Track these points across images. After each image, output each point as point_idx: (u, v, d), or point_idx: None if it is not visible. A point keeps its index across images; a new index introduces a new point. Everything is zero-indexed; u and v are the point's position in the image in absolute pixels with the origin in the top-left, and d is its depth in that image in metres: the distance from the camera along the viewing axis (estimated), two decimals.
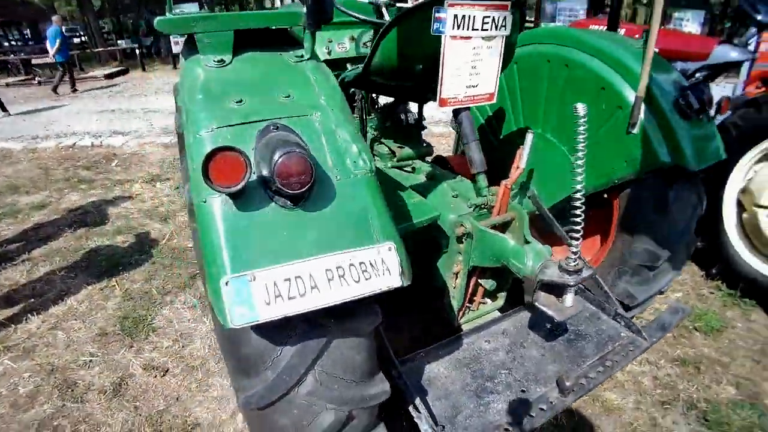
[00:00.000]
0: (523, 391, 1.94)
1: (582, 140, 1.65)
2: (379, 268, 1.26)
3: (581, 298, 2.49)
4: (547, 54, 2.67)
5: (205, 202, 1.18)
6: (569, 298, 1.76)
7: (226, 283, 1.12)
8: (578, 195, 1.69)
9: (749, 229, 3.75)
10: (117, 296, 3.41)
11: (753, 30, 4.59)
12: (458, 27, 1.78)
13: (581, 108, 1.60)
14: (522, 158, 2.19)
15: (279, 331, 1.30)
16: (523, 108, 2.96)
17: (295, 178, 1.12)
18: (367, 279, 1.25)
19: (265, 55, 1.65)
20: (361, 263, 1.24)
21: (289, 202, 1.22)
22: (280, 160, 1.10)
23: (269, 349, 1.31)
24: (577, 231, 1.72)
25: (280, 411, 1.37)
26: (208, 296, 1.16)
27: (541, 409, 1.85)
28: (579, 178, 1.67)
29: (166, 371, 2.74)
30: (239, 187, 1.10)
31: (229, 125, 1.28)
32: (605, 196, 2.76)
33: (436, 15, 1.72)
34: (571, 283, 1.70)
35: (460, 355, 2.16)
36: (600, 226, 2.94)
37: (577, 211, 1.70)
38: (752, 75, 4.61)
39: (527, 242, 1.94)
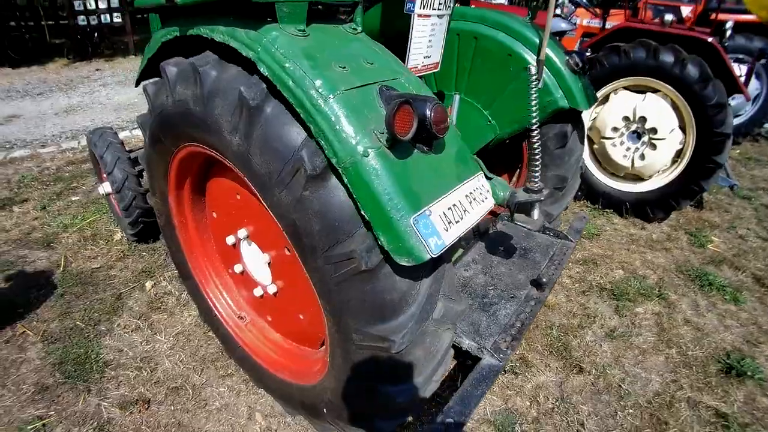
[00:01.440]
0: (512, 296, 2.26)
1: (534, 89, 2.12)
2: (483, 192, 1.49)
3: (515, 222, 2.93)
4: (457, 29, 2.94)
5: (367, 156, 1.20)
6: (536, 213, 2.06)
7: (415, 222, 1.19)
8: (534, 131, 2.09)
9: (599, 157, 4.63)
10: (35, 343, 2.72)
11: (572, 7, 5.61)
12: (423, 6, 1.94)
13: (532, 68, 2.08)
14: (452, 115, 2.47)
15: (415, 267, 1.30)
16: (440, 75, 3.19)
17: (442, 123, 1.27)
18: (483, 201, 1.47)
19: (326, 27, 1.58)
20: (476, 188, 1.47)
21: (425, 147, 1.33)
22: (433, 110, 1.23)
23: (411, 286, 1.34)
24: (536, 159, 2.10)
25: (418, 343, 1.40)
26: (389, 243, 1.19)
27: (533, 303, 2.22)
28: (534, 120, 2.10)
29: (148, 402, 2.34)
30: (411, 134, 1.22)
31: (354, 87, 1.31)
32: (507, 141, 3.19)
33: None
34: (541, 199, 2.01)
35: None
36: (510, 166, 3.47)
37: (535, 143, 2.09)
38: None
39: (489, 178, 2.19)
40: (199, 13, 1.60)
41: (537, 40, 2.74)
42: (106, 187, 3.64)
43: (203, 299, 2.38)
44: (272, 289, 1.98)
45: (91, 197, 4.55)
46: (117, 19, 12.00)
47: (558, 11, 5.75)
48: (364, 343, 1.39)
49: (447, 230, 1.28)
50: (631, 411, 2.48)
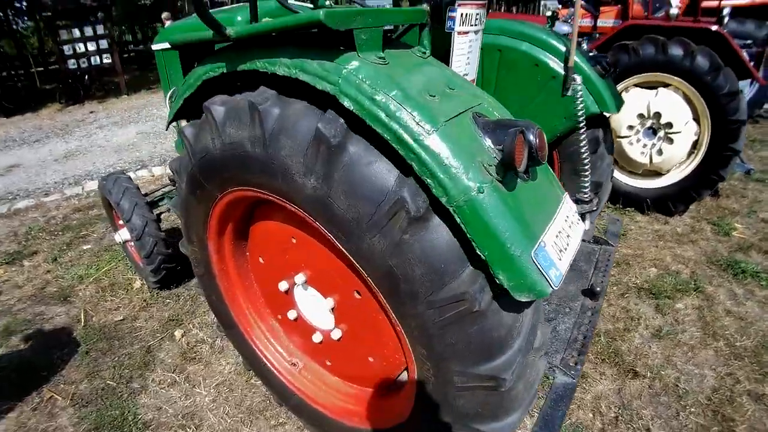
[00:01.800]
0: (568, 309, 2.13)
1: (579, 98, 2.26)
2: (575, 214, 1.42)
3: None
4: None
5: (482, 192, 1.11)
6: (588, 223, 1.95)
7: (535, 256, 1.13)
8: (582, 140, 2.06)
9: (617, 156, 4.53)
10: (65, 408, 2.54)
11: (572, 9, 5.59)
12: (462, 23, 1.91)
13: (577, 78, 2.23)
14: None
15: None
16: None
17: (545, 149, 1.20)
18: (578, 223, 1.39)
19: (398, 52, 1.49)
20: (570, 210, 1.39)
21: (524, 175, 1.25)
22: (537, 136, 1.17)
23: (515, 319, 1.27)
24: (585, 169, 2.04)
25: (520, 376, 1.30)
26: (509, 280, 1.12)
27: (590, 314, 2.12)
28: (581, 128, 2.09)
29: None
30: (525, 164, 1.16)
31: (451, 118, 1.21)
32: None
33: (450, 14, 1.84)
34: (594, 209, 1.90)
35: None
36: None
37: (583, 154, 2.03)
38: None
39: None
40: (254, 46, 1.45)
41: (561, 48, 2.67)
42: (123, 235, 3.49)
43: (249, 348, 2.23)
44: (336, 334, 1.84)
45: (103, 245, 4.38)
46: (107, 59, 11.92)
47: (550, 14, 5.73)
48: (468, 385, 1.29)
49: (560, 259, 1.21)
50: (693, 410, 2.40)
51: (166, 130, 2.03)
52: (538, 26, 2.92)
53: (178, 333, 3.08)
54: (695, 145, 4.25)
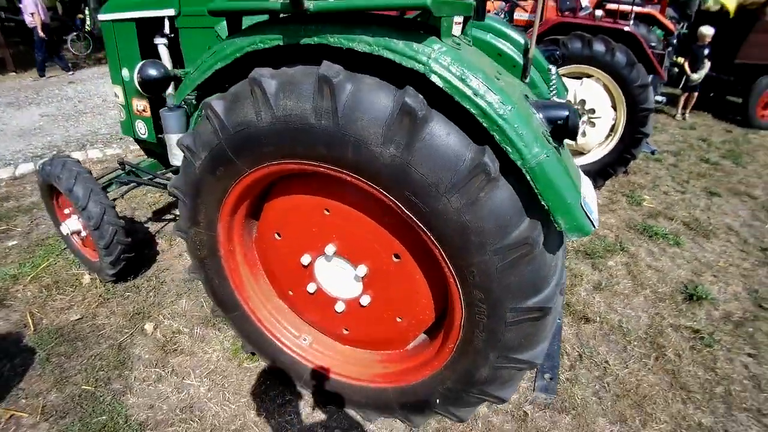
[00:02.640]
0: None
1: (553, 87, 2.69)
2: (584, 175, 1.67)
3: None
4: None
5: (548, 156, 1.29)
6: None
7: (583, 204, 1.36)
8: None
9: None
10: (36, 424, 2.20)
11: (502, 3, 5.93)
12: None
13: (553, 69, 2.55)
14: None
15: (560, 240, 1.53)
16: None
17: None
18: (587, 181, 1.65)
19: (457, 38, 1.57)
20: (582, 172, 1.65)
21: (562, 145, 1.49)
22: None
23: (555, 258, 1.49)
24: None
25: (555, 315, 1.55)
26: (566, 223, 1.32)
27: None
28: None
29: None
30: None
31: (517, 97, 1.39)
32: None
33: None
34: None
35: None
36: None
37: None
38: None
39: None
40: (327, 21, 1.42)
41: (520, 39, 2.90)
42: (70, 225, 3.09)
43: (254, 329, 2.14)
44: (365, 300, 1.86)
45: (32, 239, 3.82)
46: None
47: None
48: (518, 319, 1.47)
49: (594, 207, 1.48)
50: (635, 343, 2.88)
51: (176, 104, 1.80)
52: (498, 19, 3.14)
53: (149, 326, 2.83)
54: (612, 129, 4.80)
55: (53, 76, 10.32)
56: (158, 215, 4.16)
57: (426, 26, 1.43)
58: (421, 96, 1.32)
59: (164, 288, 3.16)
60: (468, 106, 1.28)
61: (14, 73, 10.33)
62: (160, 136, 3.17)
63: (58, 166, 2.87)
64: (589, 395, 2.48)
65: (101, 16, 3.04)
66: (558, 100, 2.79)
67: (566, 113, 1.42)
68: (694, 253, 3.96)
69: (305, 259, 1.90)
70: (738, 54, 7.74)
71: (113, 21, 2.95)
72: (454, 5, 1.43)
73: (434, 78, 1.28)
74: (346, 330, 2.07)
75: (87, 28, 13.34)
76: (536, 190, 1.30)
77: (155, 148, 3.37)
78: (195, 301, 3.04)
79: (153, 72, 2.48)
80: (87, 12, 13.33)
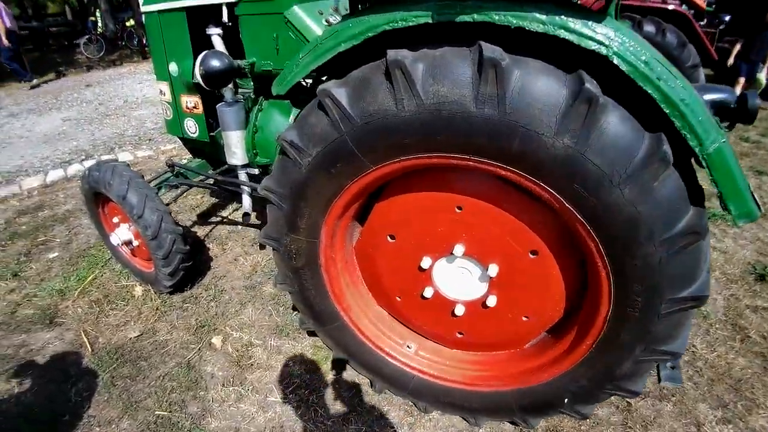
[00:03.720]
0: None
1: None
2: None
3: None
4: None
5: (725, 141, 1.21)
6: None
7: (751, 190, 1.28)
8: None
9: None
10: None
11: None
12: None
13: None
14: None
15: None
16: None
17: None
18: None
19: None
20: None
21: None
22: None
23: (707, 244, 1.39)
24: None
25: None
26: (736, 209, 1.26)
27: None
28: None
29: None
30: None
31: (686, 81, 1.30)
32: None
33: None
34: None
35: None
36: None
37: None
38: None
39: None
40: None
41: None
42: (121, 235, 2.81)
43: (354, 342, 1.90)
44: (492, 300, 1.68)
45: (72, 250, 3.54)
46: None
47: None
48: (671, 310, 1.38)
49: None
50: (718, 326, 2.65)
51: (282, 92, 1.50)
52: None
53: (216, 340, 2.56)
54: None
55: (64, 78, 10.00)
56: (204, 218, 3.87)
57: (582, 6, 1.25)
58: (594, 82, 1.18)
59: (225, 297, 2.88)
60: (650, 91, 1.16)
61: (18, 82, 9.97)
62: (212, 134, 2.87)
63: (107, 171, 2.57)
64: (684, 380, 2.29)
65: (145, 8, 2.70)
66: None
67: (735, 96, 1.40)
68: (755, 233, 3.65)
69: (425, 263, 1.66)
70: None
71: (159, 12, 2.61)
72: None
73: (617, 61, 1.15)
74: (461, 333, 1.85)
75: (99, 30, 13.00)
76: (711, 177, 1.23)
77: (205, 147, 3.07)
78: (262, 309, 2.75)
79: (217, 63, 2.16)
80: (98, 14, 12.98)
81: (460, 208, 1.55)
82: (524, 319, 1.71)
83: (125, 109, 7.51)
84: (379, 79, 1.31)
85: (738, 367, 2.35)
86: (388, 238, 1.70)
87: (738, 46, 6.48)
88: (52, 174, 5.01)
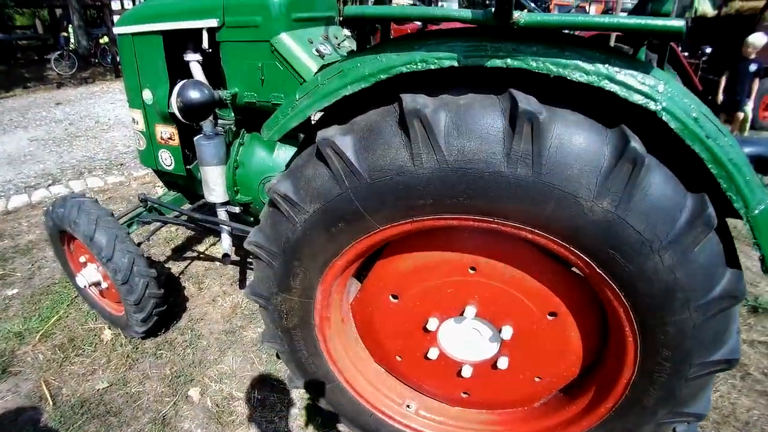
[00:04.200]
0: None
1: None
2: None
3: None
4: None
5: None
6: None
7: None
8: None
9: None
10: None
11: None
12: None
13: None
14: None
15: None
16: None
17: None
18: None
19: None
20: None
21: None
22: None
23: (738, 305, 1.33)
24: None
25: None
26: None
27: None
28: None
29: None
30: None
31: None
32: None
33: None
34: None
35: None
36: None
37: None
38: None
39: None
40: (523, 39, 1.12)
41: None
42: (89, 277, 2.58)
43: (350, 402, 1.74)
44: (503, 362, 1.55)
45: (35, 286, 3.26)
46: None
47: None
48: (701, 373, 1.30)
49: None
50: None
51: (274, 139, 1.34)
52: None
53: (194, 392, 2.34)
54: None
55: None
56: (178, 253, 3.63)
57: (625, 53, 1.18)
58: (637, 139, 1.07)
59: (202, 342, 2.66)
60: (699, 150, 1.07)
61: None
62: (189, 167, 2.68)
63: (73, 208, 2.36)
64: None
65: (117, 29, 2.53)
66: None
67: None
68: (743, 262, 3.62)
69: (431, 324, 1.52)
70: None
71: (134, 34, 2.44)
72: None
73: (666, 117, 1.05)
74: (466, 393, 1.71)
75: (71, 46, 12.57)
76: (755, 240, 1.15)
77: (180, 181, 2.88)
78: (243, 357, 2.55)
79: (197, 95, 2.00)
80: (71, 30, 12.57)
81: (473, 269, 1.43)
82: (536, 379, 1.59)
83: (96, 131, 7.18)
84: (391, 128, 1.16)
85: (743, 408, 2.27)
86: (391, 297, 1.56)
87: (723, 81, 6.30)
88: (15, 199, 4.69)
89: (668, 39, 1.17)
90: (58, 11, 16.33)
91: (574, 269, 1.32)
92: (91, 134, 6.99)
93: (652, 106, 1.04)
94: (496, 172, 1.10)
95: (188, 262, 3.50)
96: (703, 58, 6.42)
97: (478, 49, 1.10)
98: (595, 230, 1.13)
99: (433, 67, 1.11)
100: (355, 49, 2.08)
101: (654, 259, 1.13)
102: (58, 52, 12.15)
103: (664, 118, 1.04)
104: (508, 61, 1.08)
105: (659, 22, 1.02)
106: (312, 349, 1.62)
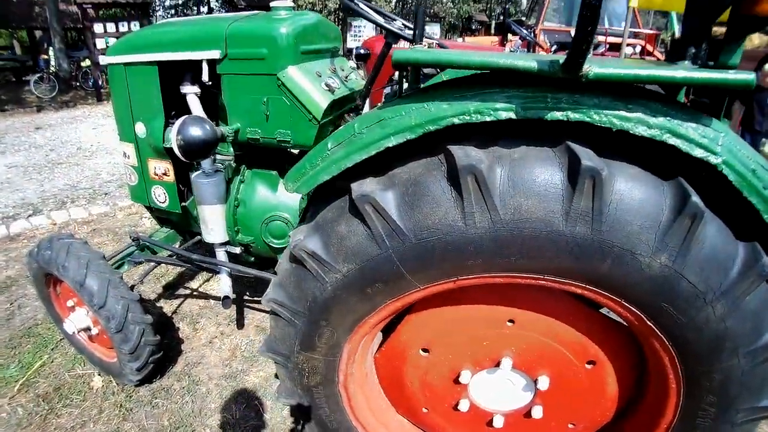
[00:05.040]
0: None
1: None
2: None
3: None
4: None
5: None
6: None
7: None
8: None
9: None
10: None
11: (519, 41, 5.72)
12: None
13: None
14: None
15: None
16: None
17: None
18: None
19: None
20: None
21: None
22: None
23: None
24: None
25: None
26: None
27: None
28: None
29: None
30: None
31: None
32: None
33: None
34: None
35: None
36: None
37: None
38: None
39: None
40: (587, 91, 1.06)
41: None
42: (77, 322, 2.41)
43: None
44: (537, 411, 1.48)
45: (15, 328, 3.04)
46: None
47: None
48: (749, 418, 1.28)
49: None
50: None
51: (301, 192, 1.23)
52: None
53: None
54: None
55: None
56: (171, 290, 3.45)
57: (681, 103, 1.17)
58: (694, 192, 1.04)
59: (201, 389, 2.49)
60: (756, 202, 1.04)
61: None
62: (184, 204, 2.55)
63: (61, 251, 2.20)
64: None
65: (108, 59, 2.40)
66: None
67: None
68: None
69: (464, 377, 1.44)
70: None
71: (126, 64, 2.32)
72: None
73: (726, 171, 1.03)
74: None
75: (52, 69, 12.29)
76: None
77: (174, 218, 2.73)
78: (246, 404, 2.39)
79: (199, 132, 1.89)
80: (51, 52, 12.31)
81: (511, 321, 1.37)
82: (570, 426, 1.53)
83: (79, 157, 6.95)
84: (440, 184, 1.08)
85: None
86: (421, 351, 1.47)
87: (739, 115, 5.55)
88: None
89: (736, 92, 1.19)
90: (38, 33, 16.02)
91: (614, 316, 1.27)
92: (74, 161, 6.76)
93: (712, 159, 1.02)
94: (554, 231, 1.05)
95: (181, 300, 3.32)
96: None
97: (538, 100, 1.05)
98: (650, 285, 1.09)
99: (488, 119, 1.05)
100: (365, 85, 2.02)
101: (706, 310, 1.10)
102: (38, 75, 11.89)
103: (724, 171, 1.02)
104: (570, 114, 1.04)
105: (731, 76, 0.98)
106: (334, 406, 1.51)
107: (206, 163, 2.20)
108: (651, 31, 6.86)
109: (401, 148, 1.13)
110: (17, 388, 2.51)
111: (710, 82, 1.00)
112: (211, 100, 2.30)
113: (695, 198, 1.02)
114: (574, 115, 1.03)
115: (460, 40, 14.31)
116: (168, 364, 2.66)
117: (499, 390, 1.50)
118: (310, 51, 2.09)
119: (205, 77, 2.12)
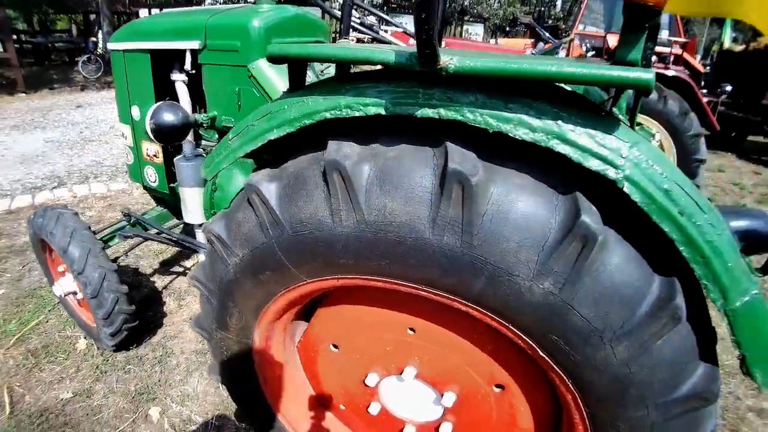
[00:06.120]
0: None
1: None
2: None
3: None
4: None
5: (758, 295, 0.95)
6: None
7: None
8: None
9: None
10: None
11: (541, 44, 5.66)
12: None
13: None
14: None
15: None
16: None
17: None
18: None
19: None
20: None
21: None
22: None
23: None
24: None
25: None
26: (763, 377, 1.00)
27: None
28: None
29: None
30: None
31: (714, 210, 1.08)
32: None
33: None
34: None
35: None
36: None
37: None
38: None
39: None
40: (458, 86, 0.98)
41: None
42: (64, 286, 2.62)
43: None
44: (447, 428, 1.44)
45: (22, 288, 3.33)
46: None
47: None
48: None
49: None
50: None
51: (208, 177, 1.34)
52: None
53: (154, 411, 2.33)
54: None
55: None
56: (166, 267, 3.67)
57: (589, 104, 1.02)
58: (594, 209, 0.91)
59: (172, 361, 2.66)
60: (668, 230, 0.90)
61: (24, 94, 9.95)
62: (172, 185, 2.72)
63: (51, 219, 2.41)
64: None
65: (111, 45, 2.62)
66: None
67: None
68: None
69: (371, 380, 1.45)
70: (766, 94, 7.35)
71: (124, 51, 2.51)
72: None
73: (628, 189, 0.89)
74: None
75: (99, 51, 13.08)
76: (734, 337, 0.98)
77: (166, 197, 2.92)
78: (209, 380, 2.53)
79: (170, 117, 2.03)
80: (100, 35, 13.10)
81: (413, 330, 1.34)
82: None
83: (110, 136, 7.41)
84: (315, 179, 1.08)
85: None
86: (331, 347, 1.51)
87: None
88: (19, 200, 4.83)
89: (638, 92, 1.03)
90: (92, 16, 17.07)
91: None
92: (104, 139, 7.21)
93: (611, 173, 0.88)
94: (419, 239, 0.99)
95: (173, 276, 3.53)
96: (723, 96, 6.28)
97: (408, 96, 0.99)
98: (534, 312, 0.99)
99: (358, 114, 1.03)
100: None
101: (605, 350, 0.97)
102: (86, 56, 12.68)
103: (625, 189, 0.88)
104: (441, 111, 0.97)
105: (623, 73, 0.85)
106: (252, 389, 1.59)
107: (187, 148, 2.35)
108: (683, 39, 6.55)
109: (304, 141, 1.16)
110: (12, 342, 2.77)
111: (594, 79, 0.86)
112: (199, 88, 2.45)
113: (587, 217, 0.89)
114: (446, 113, 0.96)
115: (493, 41, 14.12)
116: (147, 335, 2.84)
117: (408, 399, 1.48)
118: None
119: (188, 66, 2.26)
